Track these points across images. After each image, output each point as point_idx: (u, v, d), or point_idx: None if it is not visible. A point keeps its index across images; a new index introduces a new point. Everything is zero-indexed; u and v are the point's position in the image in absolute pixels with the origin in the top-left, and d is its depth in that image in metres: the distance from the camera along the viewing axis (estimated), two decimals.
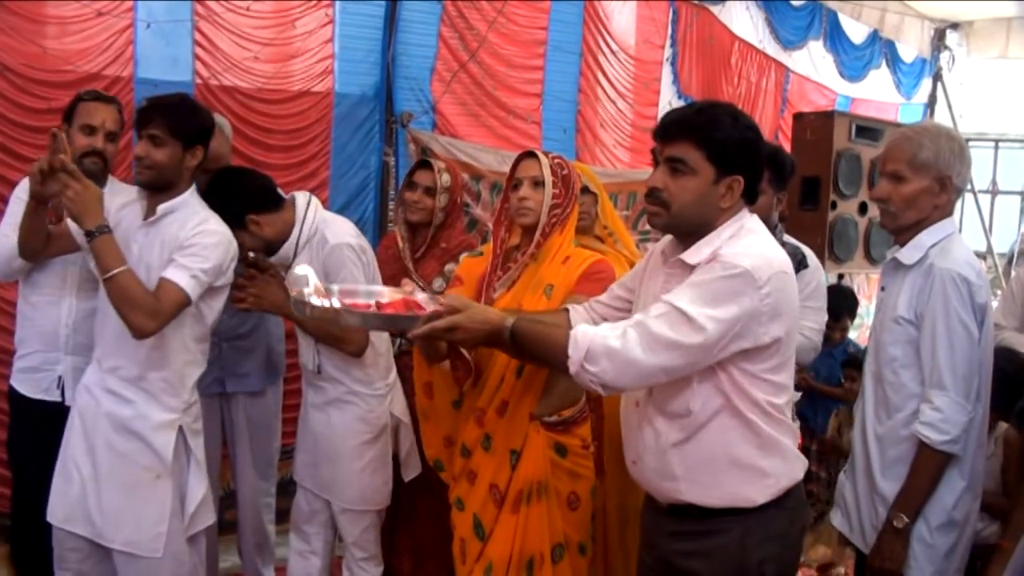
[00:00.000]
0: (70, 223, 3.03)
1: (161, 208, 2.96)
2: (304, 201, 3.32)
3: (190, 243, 2.89)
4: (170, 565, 2.98)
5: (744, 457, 2.25)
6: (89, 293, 3.30)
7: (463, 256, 3.27)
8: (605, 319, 2.51)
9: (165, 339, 2.91)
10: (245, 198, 3.22)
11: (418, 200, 3.77)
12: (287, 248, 3.26)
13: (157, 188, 2.97)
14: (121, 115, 3.45)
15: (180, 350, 2.97)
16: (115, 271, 2.75)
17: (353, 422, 3.36)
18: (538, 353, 2.35)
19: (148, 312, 2.78)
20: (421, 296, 2.44)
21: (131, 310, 2.77)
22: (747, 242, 2.23)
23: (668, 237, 2.43)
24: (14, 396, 3.46)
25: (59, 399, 3.35)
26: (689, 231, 2.28)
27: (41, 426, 3.35)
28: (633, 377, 2.18)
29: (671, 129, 2.27)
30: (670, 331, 2.12)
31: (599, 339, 2.17)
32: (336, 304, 2.39)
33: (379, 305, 2.41)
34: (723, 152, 2.22)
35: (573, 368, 2.18)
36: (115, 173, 3.60)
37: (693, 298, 2.13)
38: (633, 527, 3.47)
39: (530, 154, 2.91)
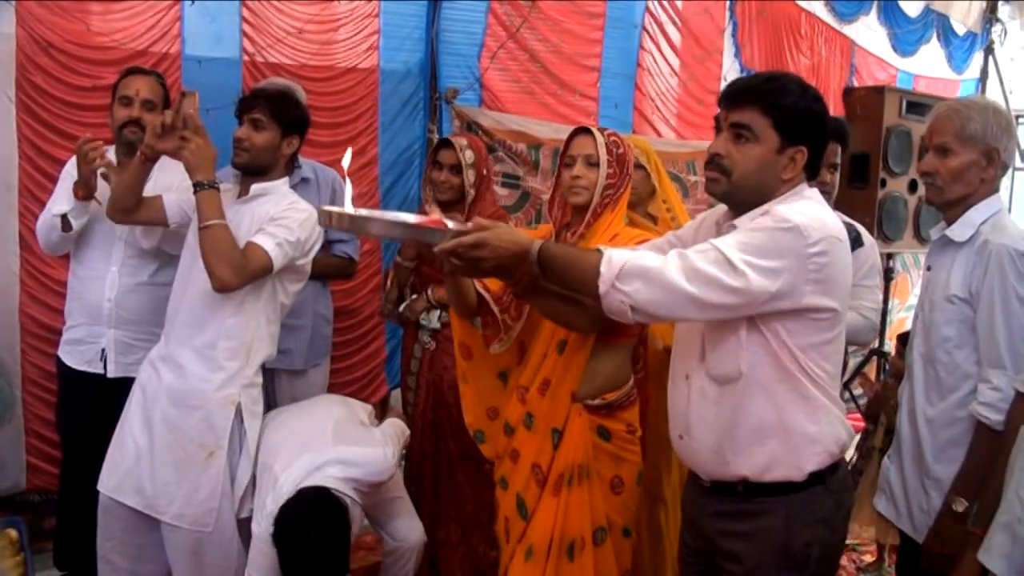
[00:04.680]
0: (165, 194, 3.21)
1: (255, 188, 3.10)
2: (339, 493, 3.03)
3: (280, 215, 3.01)
4: (219, 541, 3.04)
5: (793, 423, 2.22)
6: (132, 269, 3.44)
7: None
8: None
9: (242, 307, 3.03)
10: (344, 528, 2.97)
11: (445, 179, 3.77)
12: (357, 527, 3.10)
13: (252, 171, 3.11)
14: (162, 87, 3.52)
15: (252, 322, 3.06)
16: (213, 221, 2.90)
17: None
18: (566, 275, 2.25)
19: (234, 266, 2.89)
20: (451, 223, 2.34)
21: (219, 261, 2.88)
22: (802, 204, 2.19)
23: (722, 207, 2.40)
24: (61, 368, 3.56)
25: (102, 371, 3.45)
26: (747, 200, 2.25)
27: (85, 397, 3.48)
28: (665, 302, 2.11)
29: (738, 95, 2.24)
30: (712, 269, 2.08)
31: (635, 259, 2.12)
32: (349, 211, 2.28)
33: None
34: (789, 121, 2.19)
35: (603, 287, 2.12)
36: None
37: (738, 245, 2.10)
38: (667, 508, 3.48)
39: (585, 130, 2.86)
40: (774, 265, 2.08)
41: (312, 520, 2.83)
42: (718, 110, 2.30)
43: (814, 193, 2.27)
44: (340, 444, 3.04)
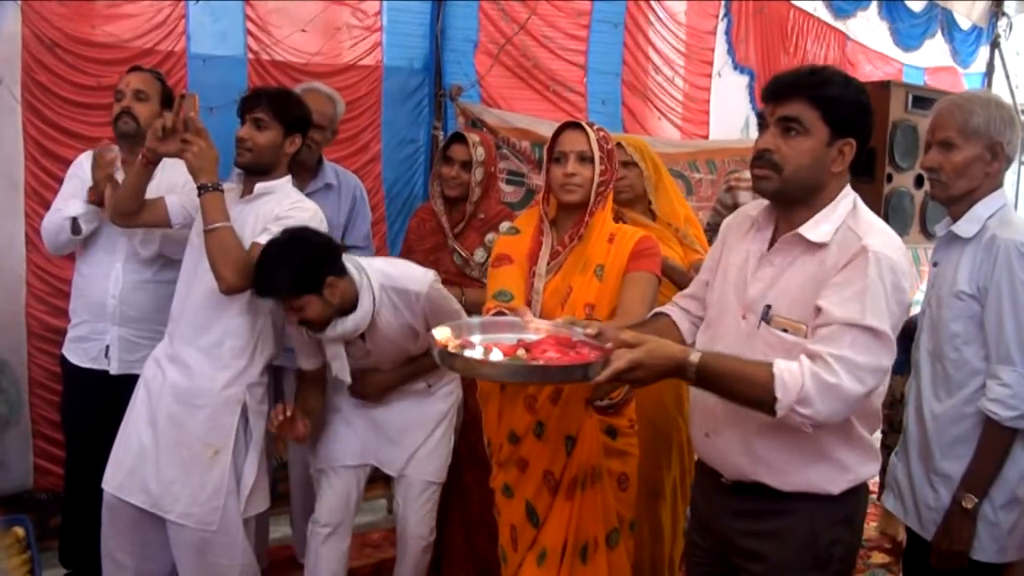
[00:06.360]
0: (167, 195, 3.21)
1: (259, 187, 3.10)
2: (356, 267, 3.03)
3: (285, 215, 3.01)
4: (224, 540, 3.05)
5: (830, 449, 2.20)
6: (137, 266, 3.47)
7: (500, 234, 3.21)
8: (699, 316, 2.48)
9: (248, 307, 3.04)
10: (327, 257, 2.93)
11: (455, 175, 3.77)
12: (360, 320, 3.02)
13: (255, 171, 3.11)
14: (160, 82, 3.57)
15: (258, 321, 3.09)
16: (218, 224, 2.91)
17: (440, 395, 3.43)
18: (732, 392, 2.14)
19: (239, 268, 2.90)
20: (575, 330, 2.23)
21: (225, 263, 2.89)
22: (875, 225, 2.18)
23: (746, 210, 2.39)
24: (65, 365, 3.59)
25: (106, 368, 3.48)
26: (799, 197, 2.21)
27: (89, 394, 3.50)
28: (844, 409, 2.08)
29: (783, 88, 2.20)
30: (871, 357, 2.05)
31: (809, 379, 2.03)
32: (478, 353, 2.14)
33: (527, 347, 2.17)
34: (838, 112, 2.15)
35: (782, 412, 2.04)
36: None
37: (872, 311, 2.05)
38: (666, 503, 3.47)
39: (574, 125, 2.82)
40: (897, 309, 2.09)
41: (295, 233, 2.88)
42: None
43: (859, 199, 2.25)
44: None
